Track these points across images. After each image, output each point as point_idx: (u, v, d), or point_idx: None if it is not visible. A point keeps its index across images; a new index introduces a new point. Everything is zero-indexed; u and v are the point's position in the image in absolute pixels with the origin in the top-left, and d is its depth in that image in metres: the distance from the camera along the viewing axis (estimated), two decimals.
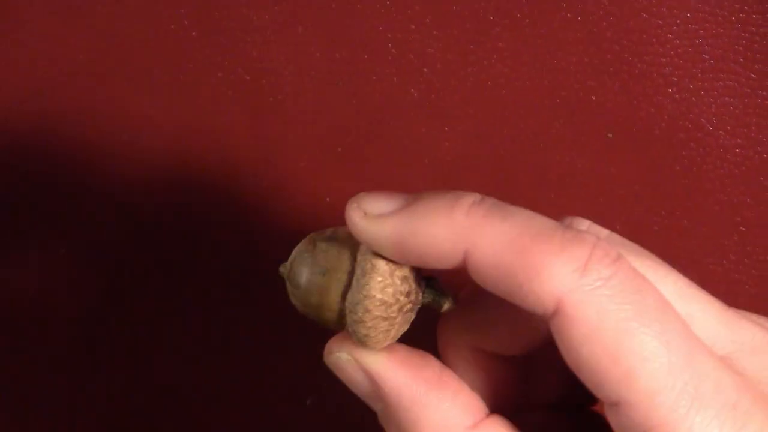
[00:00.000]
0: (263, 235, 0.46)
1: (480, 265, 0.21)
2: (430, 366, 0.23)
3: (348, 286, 0.23)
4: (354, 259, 0.24)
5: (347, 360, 0.24)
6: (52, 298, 0.48)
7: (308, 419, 0.47)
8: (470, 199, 0.22)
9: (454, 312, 0.25)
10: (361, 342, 0.23)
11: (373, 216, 0.23)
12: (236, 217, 0.46)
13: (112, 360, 0.48)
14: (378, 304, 0.23)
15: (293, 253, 0.25)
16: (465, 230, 0.21)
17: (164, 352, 0.48)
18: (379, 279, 0.23)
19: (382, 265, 0.23)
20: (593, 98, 0.40)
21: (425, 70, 0.42)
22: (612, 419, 0.21)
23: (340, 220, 0.24)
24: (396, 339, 0.24)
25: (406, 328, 0.24)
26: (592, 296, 0.20)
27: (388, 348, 0.23)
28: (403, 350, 0.24)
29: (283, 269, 0.25)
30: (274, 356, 0.47)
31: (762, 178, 0.40)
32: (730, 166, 0.40)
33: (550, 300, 0.20)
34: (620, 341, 0.20)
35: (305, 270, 0.24)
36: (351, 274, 0.23)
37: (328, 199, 0.44)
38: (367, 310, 0.23)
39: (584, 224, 0.24)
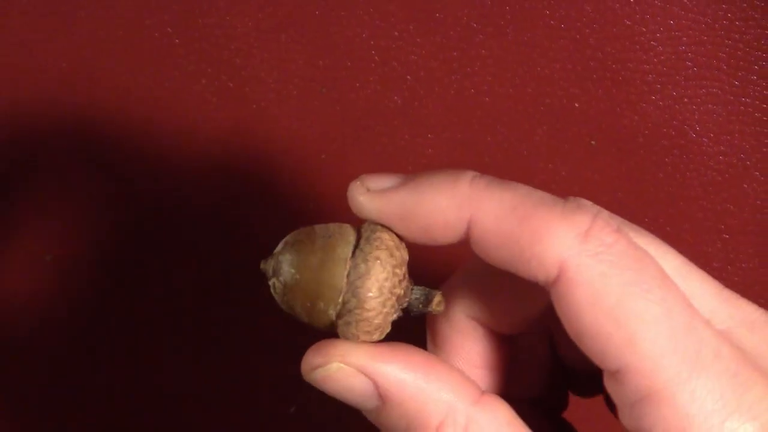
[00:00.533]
0: (253, 238, 0.46)
1: (483, 232, 0.22)
2: (416, 353, 0.23)
3: (353, 257, 0.23)
4: (358, 233, 0.23)
5: (338, 369, 0.22)
6: (51, 299, 0.49)
7: (307, 419, 0.48)
8: (471, 173, 0.22)
9: (453, 284, 0.25)
10: (357, 321, 0.22)
11: (376, 191, 0.23)
12: (226, 219, 0.46)
13: (112, 360, 0.49)
14: (382, 275, 0.22)
15: (283, 240, 0.24)
16: (469, 199, 0.22)
17: (164, 352, 0.48)
18: (385, 248, 0.23)
19: (386, 237, 0.23)
20: (576, 105, 0.40)
21: (408, 77, 0.42)
22: (613, 389, 0.21)
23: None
24: (381, 338, 0.23)
25: (388, 329, 0.23)
26: (595, 260, 0.20)
27: (372, 345, 0.23)
28: (385, 345, 0.23)
29: (265, 265, 0.24)
30: (274, 356, 0.47)
31: (745, 185, 0.39)
32: (713, 173, 0.39)
33: (552, 265, 0.20)
34: (622, 305, 0.20)
35: (305, 248, 0.23)
36: (355, 246, 0.23)
37: (311, 205, 0.44)
38: (374, 278, 0.22)
39: (587, 203, 0.23)
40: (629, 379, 0.20)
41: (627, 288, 0.20)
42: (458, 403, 0.22)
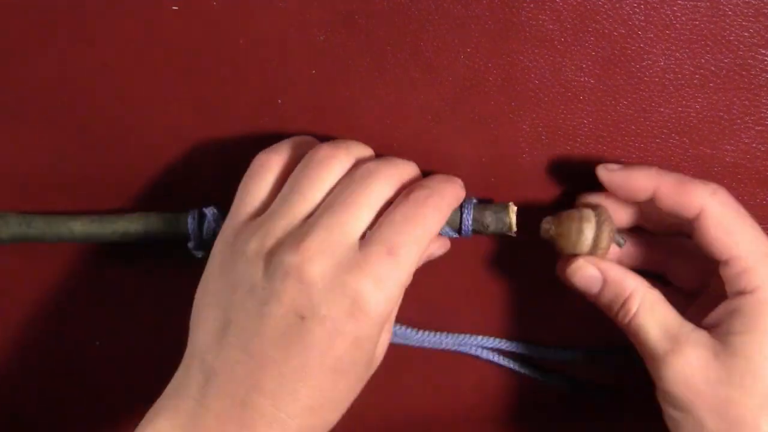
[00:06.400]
0: None
1: (662, 196, 0.39)
2: (614, 264, 0.41)
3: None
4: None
5: (584, 264, 0.41)
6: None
7: None
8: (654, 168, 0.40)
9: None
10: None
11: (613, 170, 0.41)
12: None
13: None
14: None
15: None
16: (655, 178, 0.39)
17: None
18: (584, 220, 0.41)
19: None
20: None
21: None
22: (724, 274, 0.38)
23: None
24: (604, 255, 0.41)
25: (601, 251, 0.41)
26: (718, 205, 0.38)
27: (598, 257, 0.41)
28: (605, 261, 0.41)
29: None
30: None
31: None
32: None
33: (696, 208, 0.38)
34: (735, 226, 0.38)
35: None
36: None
37: None
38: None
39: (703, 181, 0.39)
40: (733, 263, 0.37)
41: (736, 218, 0.38)
42: (640, 284, 0.40)
